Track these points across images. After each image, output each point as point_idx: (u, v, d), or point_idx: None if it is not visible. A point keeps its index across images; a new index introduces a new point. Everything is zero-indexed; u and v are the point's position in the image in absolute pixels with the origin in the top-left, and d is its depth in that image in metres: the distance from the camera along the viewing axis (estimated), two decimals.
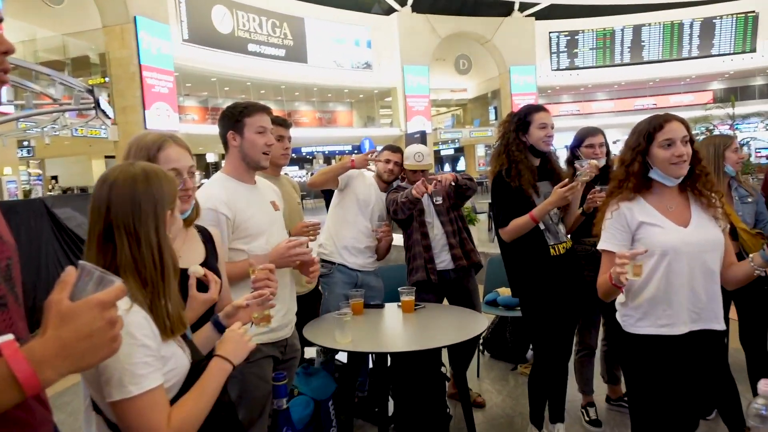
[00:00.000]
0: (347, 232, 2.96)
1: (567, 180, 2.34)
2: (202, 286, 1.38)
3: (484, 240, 7.92)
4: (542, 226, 2.43)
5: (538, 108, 2.47)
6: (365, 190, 2.99)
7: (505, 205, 2.42)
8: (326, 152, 25.62)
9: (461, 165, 31.07)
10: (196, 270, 1.35)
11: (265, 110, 1.89)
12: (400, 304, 2.63)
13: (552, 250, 2.46)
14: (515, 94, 26.51)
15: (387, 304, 2.77)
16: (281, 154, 2.53)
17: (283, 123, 2.56)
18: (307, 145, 25.53)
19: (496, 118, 28.36)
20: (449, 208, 2.96)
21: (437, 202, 2.74)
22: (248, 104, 1.88)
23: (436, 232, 2.88)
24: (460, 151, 31.06)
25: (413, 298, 2.57)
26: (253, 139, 1.83)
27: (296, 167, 25.73)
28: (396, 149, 3.04)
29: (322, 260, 2.94)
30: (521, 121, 2.48)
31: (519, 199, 2.41)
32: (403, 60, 24.42)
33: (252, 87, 22.76)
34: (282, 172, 2.71)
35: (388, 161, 2.99)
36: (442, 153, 31.48)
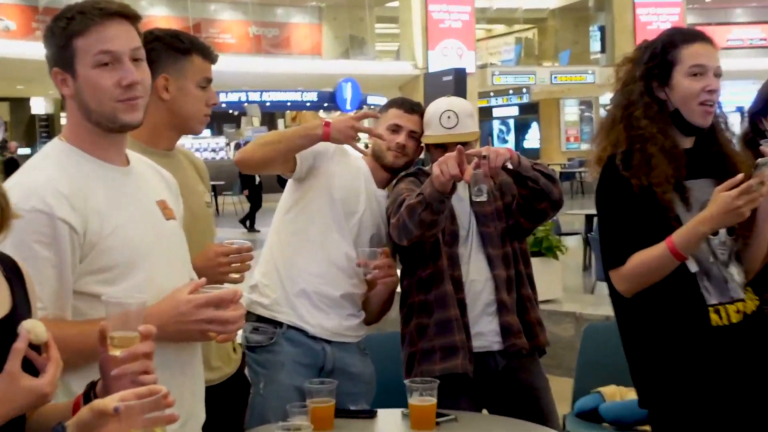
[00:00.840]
0: (309, 263, 2.79)
1: (741, 176, 2.20)
2: (31, 365, 1.34)
3: (574, 288, 7.84)
4: (695, 268, 2.30)
5: (692, 35, 2.36)
6: (348, 182, 2.82)
7: (621, 223, 2.30)
8: (268, 103, 24.87)
9: (532, 138, 31.89)
10: (35, 330, 1.33)
11: (124, 16, 1.73)
12: (406, 411, 2.49)
13: (715, 317, 2.29)
14: (643, 1, 27.12)
15: (381, 412, 2.65)
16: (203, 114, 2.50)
17: (197, 47, 2.34)
18: (233, 89, 24.21)
19: (602, 50, 28.48)
20: (504, 232, 2.83)
21: (478, 198, 2.55)
22: (86, 4, 1.75)
23: (474, 275, 2.77)
24: (530, 111, 31.24)
25: (434, 401, 2.40)
26: (94, 79, 1.71)
27: (208, 132, 25.53)
28: (411, 106, 2.89)
29: (255, 317, 2.75)
30: (657, 59, 2.33)
31: (649, 212, 2.27)
32: None
33: None
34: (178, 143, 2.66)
35: (395, 129, 2.83)
36: (496, 114, 32.14)
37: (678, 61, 2.27)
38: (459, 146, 2.54)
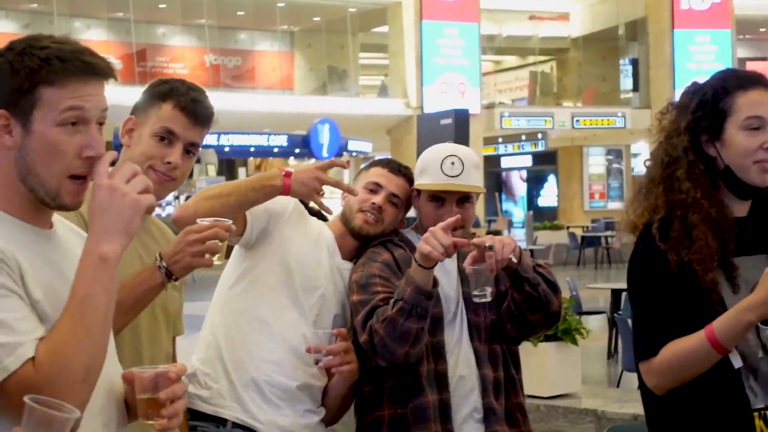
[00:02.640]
0: (259, 348, 2.84)
1: None
2: None
3: (596, 380, 8.10)
4: (739, 363, 2.30)
5: (749, 79, 2.39)
6: (308, 250, 2.91)
7: (654, 306, 2.32)
8: (227, 148, 25.32)
9: (548, 195, 32.72)
10: None
11: (105, 76, 1.79)
12: None
13: (761, 423, 2.32)
14: (683, 29, 27.81)
15: None
16: (149, 167, 2.43)
17: (191, 109, 2.45)
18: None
19: (635, 88, 29.15)
20: (492, 326, 2.89)
21: (481, 299, 2.63)
22: (67, 50, 1.77)
23: (463, 370, 2.81)
24: (547, 161, 31.82)
25: None
26: (54, 140, 1.75)
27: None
28: (398, 167, 2.97)
29: (194, 413, 2.80)
30: (706, 108, 2.37)
31: (688, 295, 2.30)
32: None
33: None
34: None
35: (374, 189, 2.90)
36: (505, 164, 32.81)
37: (732, 111, 2.29)
38: (457, 215, 2.57)
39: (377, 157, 3.20)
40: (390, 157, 2.99)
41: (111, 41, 25.31)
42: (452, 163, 2.80)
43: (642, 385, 2.32)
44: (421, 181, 2.82)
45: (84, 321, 1.54)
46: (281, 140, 24.83)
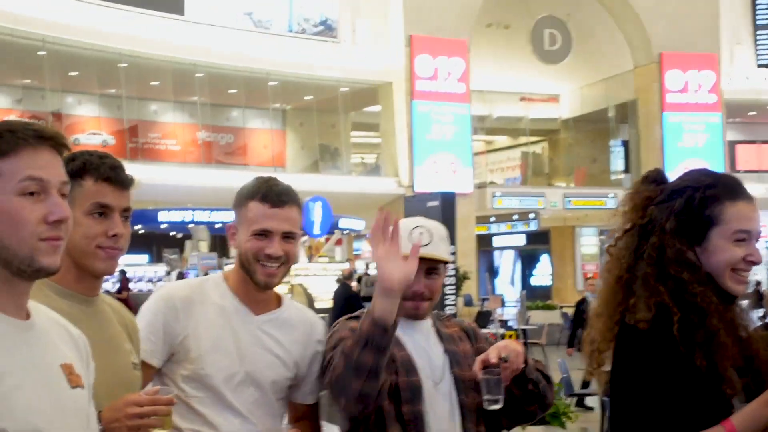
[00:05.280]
0: None
1: None
2: None
3: None
4: None
5: (738, 191, 2.39)
6: (213, 341, 2.79)
7: (673, 402, 2.27)
8: (219, 225, 24.56)
9: (541, 274, 32.86)
10: None
11: (58, 146, 1.83)
12: None
13: None
14: (673, 112, 28.55)
15: None
16: (96, 246, 2.39)
17: (115, 177, 2.44)
18: (176, 206, 24.83)
19: (626, 169, 29.60)
20: (479, 409, 2.87)
21: (491, 405, 2.62)
22: (15, 123, 1.84)
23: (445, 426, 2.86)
24: (539, 240, 31.93)
25: None
26: (15, 209, 1.75)
27: (145, 257, 26.28)
28: (279, 195, 2.82)
29: None
30: (692, 213, 2.38)
31: (709, 395, 2.27)
32: (408, 23, 25.78)
33: (47, 60, 23.38)
34: (102, 288, 2.70)
35: (262, 234, 2.74)
36: (497, 243, 33.23)
37: (720, 221, 2.28)
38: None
39: (368, 235, 3.18)
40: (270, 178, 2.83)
41: (102, 117, 25.07)
42: (420, 233, 2.82)
43: None
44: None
45: None
46: None
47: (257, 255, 2.55)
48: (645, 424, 2.27)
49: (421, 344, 2.76)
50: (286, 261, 2.56)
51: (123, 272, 20.12)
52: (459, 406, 2.74)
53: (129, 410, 2.14)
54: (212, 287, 2.79)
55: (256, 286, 2.69)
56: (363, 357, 2.49)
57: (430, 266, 2.78)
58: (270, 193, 2.56)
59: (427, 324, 2.83)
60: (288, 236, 2.62)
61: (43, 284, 1.99)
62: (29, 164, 1.70)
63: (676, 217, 2.27)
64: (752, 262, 2.27)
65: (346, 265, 24.05)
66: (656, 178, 2.40)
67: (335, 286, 21.55)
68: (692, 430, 2.17)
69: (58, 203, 1.71)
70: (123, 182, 2.30)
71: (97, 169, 2.26)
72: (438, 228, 2.87)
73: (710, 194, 2.28)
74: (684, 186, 2.32)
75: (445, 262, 2.83)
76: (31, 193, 1.69)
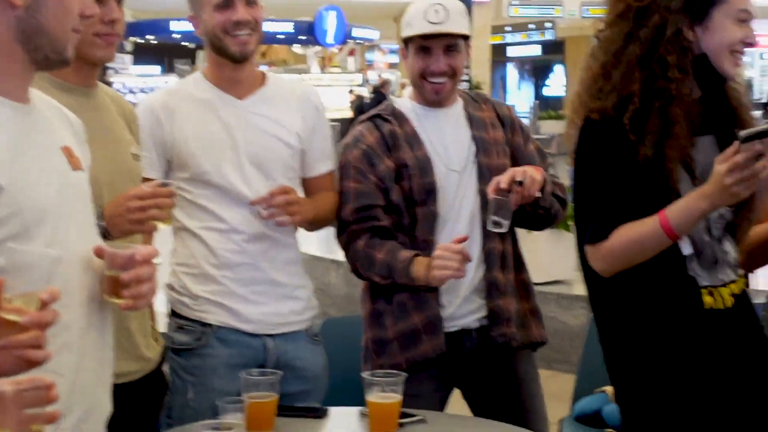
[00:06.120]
0: (221, 245, 2.73)
1: (735, 147, 2.14)
2: None
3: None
4: (688, 250, 2.34)
5: None
6: (200, 136, 2.75)
7: (611, 192, 2.30)
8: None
9: (555, 84, 32.66)
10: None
11: None
12: (364, 410, 2.49)
13: (709, 299, 2.38)
14: None
15: (334, 410, 2.69)
16: (94, 34, 2.32)
17: None
18: (186, 15, 23.23)
19: None
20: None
21: (497, 229, 2.58)
22: None
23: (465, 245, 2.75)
24: (554, 50, 31.48)
25: (398, 398, 2.39)
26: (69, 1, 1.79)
27: (157, 68, 25.60)
28: None
29: (180, 318, 2.75)
30: None
31: (648, 185, 2.28)
32: None
33: None
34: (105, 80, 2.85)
35: (225, 4, 2.65)
36: (511, 53, 32.70)
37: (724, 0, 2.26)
38: (465, 236, 2.58)
39: (382, 46, 3.09)
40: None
41: None
42: (436, 11, 2.77)
43: (586, 268, 2.35)
44: (406, 33, 2.80)
45: None
46: (286, 27, 24.32)
47: (224, 26, 2.51)
48: (586, 213, 2.32)
49: (446, 132, 2.74)
50: (255, 26, 2.52)
51: None
52: (479, 196, 2.73)
53: (131, 204, 2.13)
54: (192, 85, 2.75)
55: (233, 60, 2.61)
56: (378, 280, 2.70)
57: (449, 43, 2.72)
58: None
59: (457, 108, 2.78)
60: (251, 1, 2.58)
61: (41, 78, 1.97)
62: None
63: None
64: (749, 44, 2.28)
65: (358, 76, 23.88)
66: None
67: (347, 96, 21.59)
68: (632, 220, 2.22)
69: (90, 1, 1.84)
70: None
71: None
72: (455, 3, 2.80)
73: None
74: None
75: (465, 37, 2.76)
76: None
